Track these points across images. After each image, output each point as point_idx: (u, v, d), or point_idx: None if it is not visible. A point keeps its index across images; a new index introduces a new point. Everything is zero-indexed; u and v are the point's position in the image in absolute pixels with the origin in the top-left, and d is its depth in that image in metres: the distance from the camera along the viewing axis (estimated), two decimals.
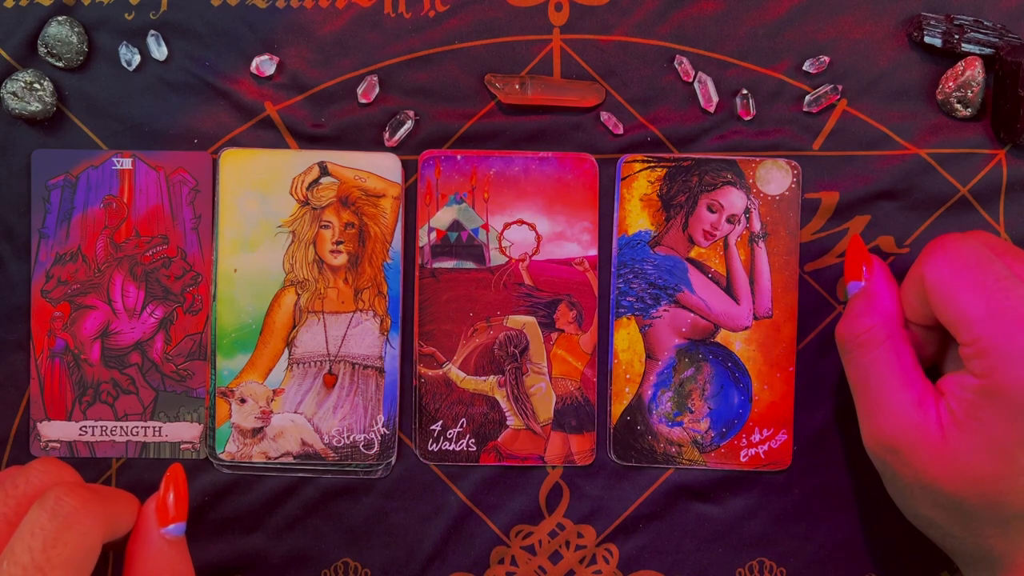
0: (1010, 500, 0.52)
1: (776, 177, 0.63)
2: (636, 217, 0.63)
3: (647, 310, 0.63)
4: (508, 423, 0.63)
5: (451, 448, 0.63)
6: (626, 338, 0.63)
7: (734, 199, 0.63)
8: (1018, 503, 0.52)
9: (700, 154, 0.63)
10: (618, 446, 0.63)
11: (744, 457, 0.63)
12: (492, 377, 0.63)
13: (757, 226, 0.63)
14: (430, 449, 0.63)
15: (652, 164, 0.63)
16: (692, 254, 0.63)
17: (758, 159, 0.63)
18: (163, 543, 0.55)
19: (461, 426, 0.63)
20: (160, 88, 0.63)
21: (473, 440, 0.63)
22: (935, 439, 0.54)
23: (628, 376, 0.63)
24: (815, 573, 0.64)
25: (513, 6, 0.63)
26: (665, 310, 0.63)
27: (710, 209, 0.63)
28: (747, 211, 0.63)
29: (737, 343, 0.63)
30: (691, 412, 0.63)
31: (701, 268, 0.63)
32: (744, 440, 0.63)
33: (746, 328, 0.63)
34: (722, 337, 0.63)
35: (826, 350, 0.64)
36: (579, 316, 0.63)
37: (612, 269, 0.63)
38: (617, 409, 0.63)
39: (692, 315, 0.63)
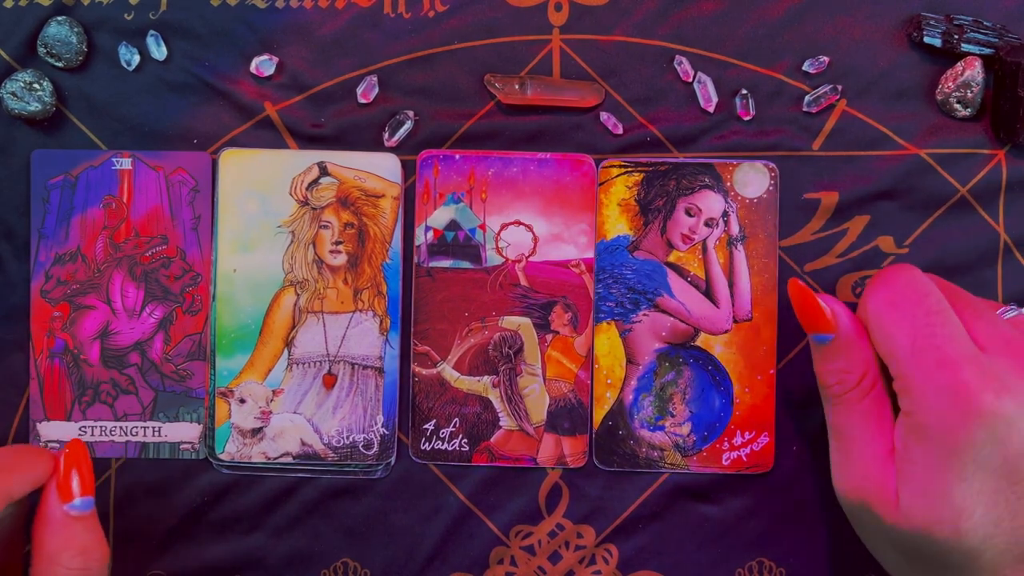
0: (956, 546, 0.51)
1: (753, 180, 0.62)
2: (614, 222, 0.63)
3: (627, 315, 0.63)
4: (501, 424, 0.63)
5: (444, 448, 0.63)
6: (606, 343, 0.63)
7: (712, 203, 0.63)
8: (965, 547, 0.51)
9: (685, 154, 0.63)
10: (600, 451, 0.63)
11: (726, 460, 0.63)
12: (486, 377, 0.63)
13: (735, 229, 0.62)
14: (422, 448, 0.63)
15: (629, 169, 0.63)
16: (671, 258, 0.63)
17: (735, 162, 0.63)
18: (68, 520, 0.53)
19: (454, 426, 0.63)
20: (160, 88, 0.63)
21: (466, 440, 0.63)
22: (892, 492, 0.53)
23: (609, 381, 0.63)
24: (815, 573, 0.64)
25: (513, 6, 0.63)
26: (645, 315, 0.63)
27: (688, 213, 0.63)
28: (725, 214, 0.63)
29: (717, 346, 0.63)
30: (672, 416, 0.63)
31: (680, 272, 0.63)
32: (726, 443, 0.63)
33: (726, 331, 0.63)
34: (702, 341, 0.63)
35: None
36: (574, 318, 0.63)
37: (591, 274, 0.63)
38: (599, 414, 0.63)
39: (672, 319, 0.63)
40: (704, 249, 0.63)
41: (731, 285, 0.63)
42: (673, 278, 0.63)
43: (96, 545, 0.54)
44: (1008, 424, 0.50)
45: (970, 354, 0.52)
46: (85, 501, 0.54)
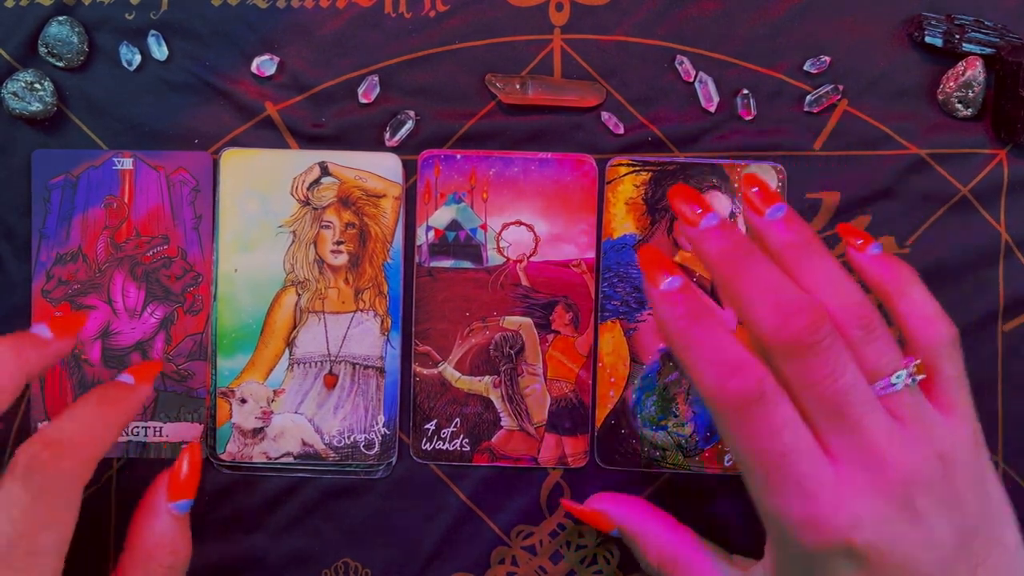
0: None
1: None
2: (621, 221, 0.63)
3: (632, 314, 0.63)
4: (502, 424, 0.63)
5: (445, 447, 0.63)
6: (610, 342, 0.63)
7: (719, 203, 0.63)
8: None
9: (691, 154, 0.63)
10: (603, 449, 0.63)
11: (728, 461, 0.63)
12: (487, 377, 0.63)
13: (742, 230, 0.62)
14: (423, 448, 0.63)
15: (638, 168, 0.63)
16: (677, 258, 0.63)
17: (743, 163, 0.62)
18: (168, 517, 0.56)
19: (455, 426, 0.63)
20: (160, 88, 0.63)
21: (467, 440, 0.63)
22: None
23: (612, 380, 0.63)
24: None
25: (513, 6, 0.63)
26: (650, 314, 0.63)
27: None
28: (732, 215, 0.62)
29: None
30: (675, 416, 0.63)
31: (686, 272, 0.63)
32: None
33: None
34: None
35: None
36: (575, 318, 0.63)
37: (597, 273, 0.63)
38: (601, 413, 0.63)
39: None
40: None
41: None
42: None
43: (186, 545, 0.56)
44: (865, 546, 0.48)
45: (827, 481, 0.49)
46: (186, 503, 0.56)
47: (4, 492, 0.49)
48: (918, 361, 0.51)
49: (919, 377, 0.51)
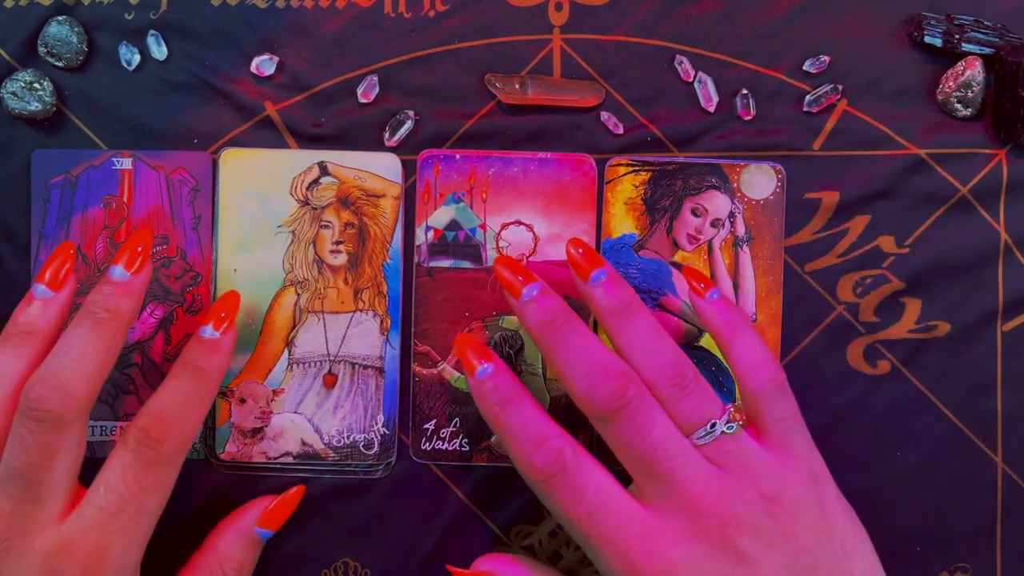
0: None
1: (760, 181, 0.62)
2: (620, 220, 0.63)
3: None
4: None
5: (444, 447, 0.63)
6: (610, 342, 0.63)
7: (718, 203, 0.63)
8: None
9: (689, 154, 0.63)
10: (602, 450, 0.63)
11: None
12: None
13: (741, 230, 0.62)
14: (423, 448, 0.63)
15: (637, 168, 0.63)
16: (676, 258, 0.63)
17: (742, 163, 0.62)
18: (249, 538, 0.61)
19: (455, 425, 0.63)
20: (160, 88, 0.63)
21: (466, 440, 0.63)
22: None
23: None
24: None
25: (513, 6, 0.63)
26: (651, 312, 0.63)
27: (694, 213, 0.63)
28: (731, 215, 0.62)
29: None
30: None
31: (685, 271, 0.62)
32: None
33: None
34: (706, 341, 0.63)
35: (827, 349, 0.63)
36: None
37: None
38: None
39: (676, 319, 0.63)
40: (710, 249, 0.63)
41: (736, 287, 0.63)
42: (678, 278, 0.63)
43: (250, 567, 0.61)
44: None
45: (637, 532, 0.52)
46: (270, 533, 0.61)
47: (119, 459, 0.54)
48: (731, 408, 0.54)
49: (737, 423, 0.54)
